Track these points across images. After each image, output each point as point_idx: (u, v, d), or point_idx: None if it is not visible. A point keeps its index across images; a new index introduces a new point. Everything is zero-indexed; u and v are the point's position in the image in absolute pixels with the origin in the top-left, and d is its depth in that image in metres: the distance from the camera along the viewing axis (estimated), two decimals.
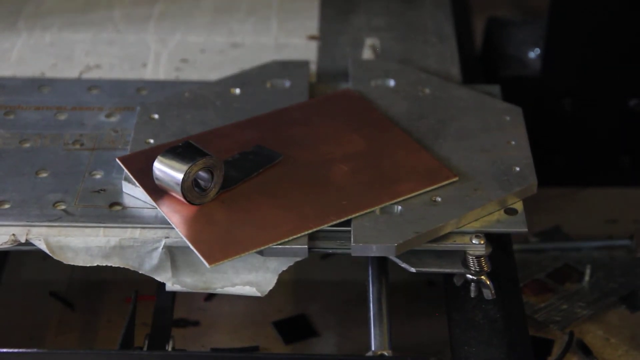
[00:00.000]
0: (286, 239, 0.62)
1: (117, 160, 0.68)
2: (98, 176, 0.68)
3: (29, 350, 0.64)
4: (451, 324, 0.65)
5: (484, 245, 0.64)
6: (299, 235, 0.62)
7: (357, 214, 0.64)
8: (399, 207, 0.64)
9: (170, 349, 0.67)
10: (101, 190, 0.67)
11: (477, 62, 0.92)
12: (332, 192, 0.65)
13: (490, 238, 0.64)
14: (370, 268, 0.67)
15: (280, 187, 0.66)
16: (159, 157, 0.63)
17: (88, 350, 0.74)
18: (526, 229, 0.64)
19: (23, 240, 0.64)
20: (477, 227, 0.64)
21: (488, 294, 0.65)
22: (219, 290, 0.65)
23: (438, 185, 0.66)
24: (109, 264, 0.64)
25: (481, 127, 0.71)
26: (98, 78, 0.80)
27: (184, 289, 0.65)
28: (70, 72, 0.81)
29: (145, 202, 0.65)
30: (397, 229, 0.63)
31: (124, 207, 0.66)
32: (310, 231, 0.63)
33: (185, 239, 0.62)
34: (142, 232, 0.64)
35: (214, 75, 0.79)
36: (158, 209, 0.64)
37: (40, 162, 0.69)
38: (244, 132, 0.71)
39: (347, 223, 0.63)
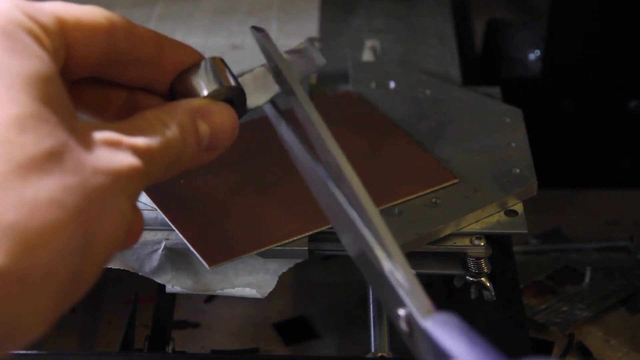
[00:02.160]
0: (286, 241, 0.62)
1: None
2: None
3: (28, 352, 0.64)
4: None
5: (484, 247, 0.64)
6: (299, 237, 0.62)
7: None
8: (399, 209, 0.64)
9: (170, 351, 0.67)
10: None
11: (477, 63, 0.92)
12: None
13: (491, 240, 0.64)
14: None
15: (280, 188, 0.66)
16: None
17: (88, 351, 0.74)
18: (526, 231, 0.64)
19: None
20: (477, 228, 0.64)
21: (488, 295, 0.65)
22: (219, 292, 0.65)
23: (439, 187, 0.66)
24: (109, 266, 0.64)
25: (481, 128, 0.71)
26: None
27: (184, 291, 0.65)
28: None
29: (145, 204, 0.65)
30: (397, 231, 0.63)
31: None
32: (310, 233, 0.63)
33: (185, 240, 0.62)
34: (142, 234, 0.64)
35: None
36: (158, 210, 0.64)
37: None
38: (244, 134, 0.70)
39: None
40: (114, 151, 0.44)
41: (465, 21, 0.94)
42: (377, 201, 0.64)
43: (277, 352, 0.75)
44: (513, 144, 0.70)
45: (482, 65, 0.93)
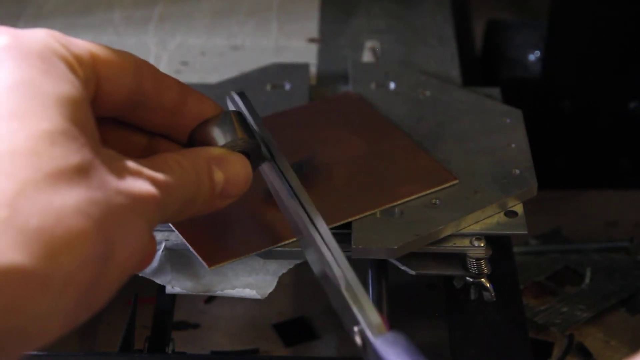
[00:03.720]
0: (286, 242, 0.62)
1: None
2: None
3: (28, 352, 0.64)
4: (451, 326, 0.65)
5: (484, 248, 0.64)
6: None
7: (358, 217, 0.64)
8: (400, 210, 0.64)
9: (170, 352, 0.67)
10: None
11: (477, 64, 0.92)
12: (332, 195, 0.65)
13: (491, 240, 0.64)
14: (370, 270, 0.67)
15: None
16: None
17: (88, 352, 0.74)
18: (526, 232, 0.64)
19: None
20: (477, 229, 0.64)
21: (488, 296, 0.65)
22: (219, 293, 0.65)
23: (439, 187, 0.66)
24: None
25: (481, 129, 0.71)
26: None
27: (184, 292, 0.65)
28: None
29: None
30: (397, 232, 0.63)
31: None
32: None
33: (185, 241, 0.62)
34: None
35: (214, 78, 0.79)
36: None
37: None
38: None
39: (348, 225, 0.63)
40: (135, 178, 0.46)
41: (465, 21, 0.94)
42: (377, 202, 0.65)
43: (277, 353, 0.75)
44: (513, 145, 0.70)
45: (482, 66, 0.93)
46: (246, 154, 0.56)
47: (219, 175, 0.53)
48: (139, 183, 0.46)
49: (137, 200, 0.45)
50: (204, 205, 0.53)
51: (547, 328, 0.76)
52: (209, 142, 0.55)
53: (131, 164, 0.47)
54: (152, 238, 0.49)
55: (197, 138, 0.56)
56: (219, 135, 0.55)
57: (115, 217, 0.44)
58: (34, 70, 0.45)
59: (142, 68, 0.53)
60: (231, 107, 0.60)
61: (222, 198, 0.54)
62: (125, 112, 0.54)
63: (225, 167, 0.54)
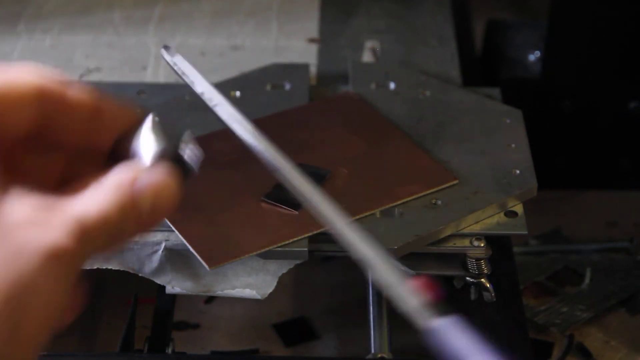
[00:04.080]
0: (286, 242, 0.62)
1: None
2: None
3: None
4: None
5: (484, 248, 0.64)
6: (299, 238, 0.62)
7: (358, 217, 0.64)
8: (400, 210, 0.64)
9: (170, 352, 0.67)
10: None
11: (477, 64, 0.92)
12: (332, 195, 0.65)
13: (490, 241, 0.64)
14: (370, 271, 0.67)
15: None
16: None
17: (88, 352, 0.74)
18: (526, 232, 0.64)
19: None
20: (477, 229, 0.64)
21: (488, 296, 0.65)
22: (219, 293, 0.65)
23: (439, 188, 0.66)
24: (109, 267, 0.64)
25: (481, 129, 0.71)
26: (98, 81, 0.80)
27: (184, 292, 0.65)
28: (70, 74, 0.81)
29: None
30: (397, 232, 0.63)
31: None
32: (310, 234, 0.63)
33: (185, 241, 0.62)
34: (142, 235, 0.64)
35: (214, 78, 0.79)
36: None
37: None
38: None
39: None
40: (42, 229, 0.41)
41: (465, 21, 0.94)
42: (377, 202, 0.65)
43: (277, 353, 0.75)
44: (513, 145, 0.70)
45: (482, 66, 0.93)
46: (171, 161, 0.50)
47: (144, 198, 0.47)
48: (48, 235, 0.41)
49: (48, 257, 0.40)
50: (134, 231, 0.47)
51: (547, 328, 0.76)
52: (130, 156, 0.50)
53: (39, 212, 0.41)
54: (75, 287, 0.43)
55: (118, 153, 0.50)
56: (139, 149, 0.50)
57: (22, 282, 0.39)
58: None
59: (45, 91, 0.46)
60: (170, 63, 0.55)
61: (153, 216, 0.47)
62: (34, 136, 0.47)
63: (150, 184, 0.47)
